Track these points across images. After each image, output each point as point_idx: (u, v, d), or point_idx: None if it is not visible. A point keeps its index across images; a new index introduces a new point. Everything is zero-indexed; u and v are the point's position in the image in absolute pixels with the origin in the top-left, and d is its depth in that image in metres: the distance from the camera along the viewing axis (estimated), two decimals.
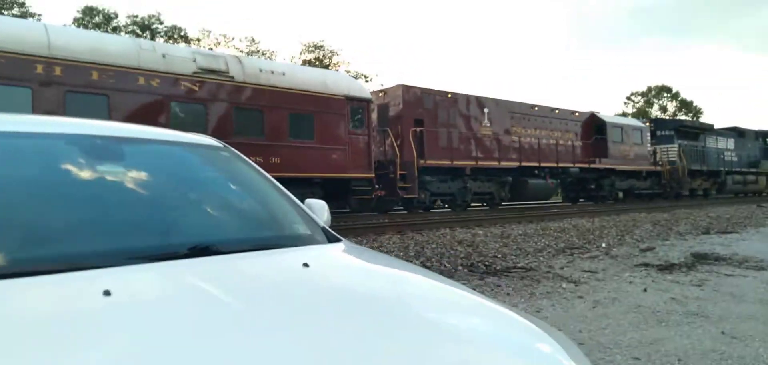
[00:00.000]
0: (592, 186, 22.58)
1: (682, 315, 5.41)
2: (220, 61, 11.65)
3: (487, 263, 8.40)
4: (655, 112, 71.03)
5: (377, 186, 15.23)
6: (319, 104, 13.20)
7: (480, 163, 17.21)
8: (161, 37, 34.50)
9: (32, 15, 29.95)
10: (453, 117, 17.03)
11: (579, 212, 15.47)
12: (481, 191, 17.89)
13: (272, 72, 12.44)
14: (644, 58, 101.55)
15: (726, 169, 30.07)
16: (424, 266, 7.96)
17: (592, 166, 21.42)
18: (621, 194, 23.59)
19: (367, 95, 14.52)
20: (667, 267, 8.16)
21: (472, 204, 18.95)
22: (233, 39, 38.42)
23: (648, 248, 10.24)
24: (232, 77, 11.69)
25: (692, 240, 11.86)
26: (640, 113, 63.98)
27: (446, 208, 17.54)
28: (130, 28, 33.52)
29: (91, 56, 9.76)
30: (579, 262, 8.77)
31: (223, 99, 11.57)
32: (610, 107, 73.43)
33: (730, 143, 31.44)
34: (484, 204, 18.84)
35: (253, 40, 41.18)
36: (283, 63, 16.46)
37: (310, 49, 41.28)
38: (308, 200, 2.34)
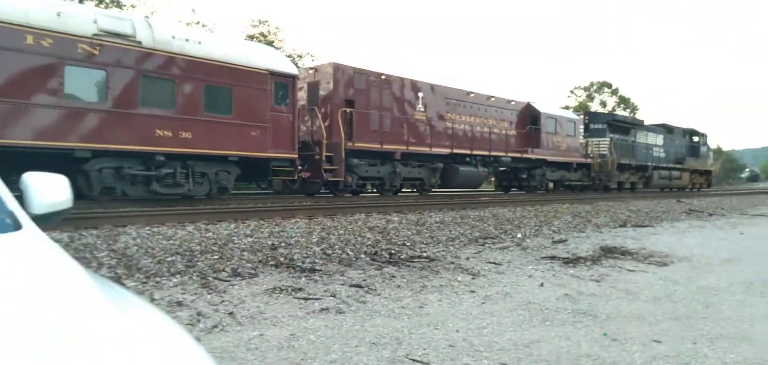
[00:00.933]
0: (524, 176, 22.83)
1: (571, 313, 5.23)
2: (126, 24, 10.72)
3: (392, 251, 8.06)
4: (595, 106, 73.31)
5: (301, 167, 14.68)
6: (239, 77, 12.47)
7: (411, 148, 16.93)
8: (91, 0, 32.31)
9: None
10: (386, 100, 16.64)
11: (504, 201, 15.47)
12: (412, 177, 17.64)
13: (187, 39, 11.59)
14: (590, 54, 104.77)
15: (653, 164, 31.21)
16: (325, 254, 7.54)
17: (525, 156, 21.60)
18: (551, 185, 23.99)
19: (293, 71, 13.87)
20: (573, 261, 8.09)
21: (404, 190, 18.72)
22: (172, 7, 36.38)
23: (560, 241, 10.22)
24: (140, 42, 10.78)
25: (607, 233, 12.00)
26: (582, 108, 65.80)
27: (375, 193, 17.20)
28: (98, 2, 31.20)
29: None
30: (488, 253, 8.59)
31: (129, 66, 10.67)
32: (557, 101, 75.29)
33: (659, 139, 32.64)
34: (414, 190, 18.63)
35: (193, 10, 39.28)
36: (200, 30, 15.53)
37: (255, 24, 39.81)
38: (26, 175, 1.81)
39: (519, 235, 10.76)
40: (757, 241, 11.75)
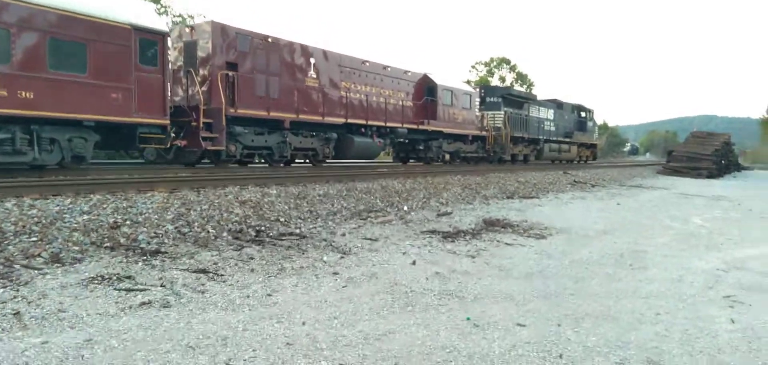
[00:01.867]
0: (421, 147, 22.71)
1: (437, 295, 4.77)
2: None
3: (261, 228, 7.27)
4: (495, 81, 75.83)
5: (176, 135, 13.29)
6: (95, 30, 10.82)
7: (302, 116, 15.98)
8: None
9: None
10: (274, 64, 15.50)
11: (397, 173, 15.09)
12: (304, 147, 16.73)
13: None
14: (492, 30, 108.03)
15: (544, 137, 32.56)
16: (179, 233, 6.58)
17: (421, 127, 21.40)
18: (448, 157, 24.12)
19: (162, 28, 12.34)
20: (453, 235, 7.76)
21: (298, 161, 17.80)
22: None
23: (445, 213, 9.95)
24: None
25: (494, 205, 11.97)
26: (482, 82, 67.78)
27: (263, 164, 16.12)
28: None
29: None
30: (367, 228, 8.05)
31: None
32: (459, 75, 77.05)
33: (550, 114, 34.09)
34: (307, 161, 17.77)
35: None
36: None
37: None
38: None
39: (405, 208, 10.37)
40: (631, 212, 12.28)
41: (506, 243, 7.41)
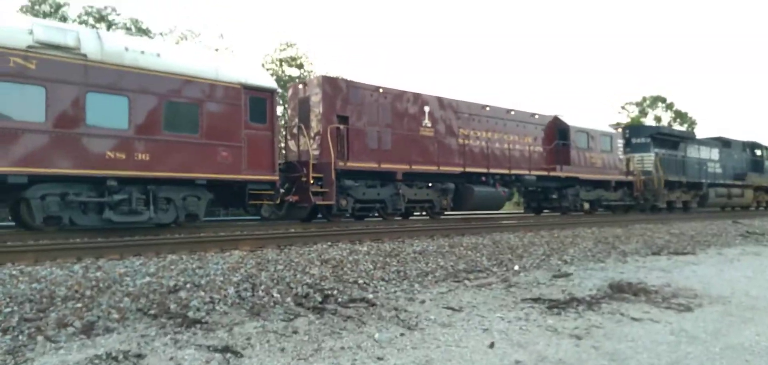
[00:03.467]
0: (554, 196, 20.64)
1: None
2: (69, 36, 9.72)
3: (331, 292, 6.46)
4: (649, 122, 69.26)
5: (287, 191, 13.33)
6: (207, 92, 11.28)
7: (415, 167, 15.27)
8: (119, 28, 32.64)
9: None
10: (385, 115, 15.12)
11: (516, 225, 13.52)
12: (419, 199, 15.95)
13: (142, 52, 10.50)
14: (640, 65, 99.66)
15: (708, 181, 28.13)
16: (238, 297, 6.03)
17: (552, 174, 19.47)
18: (586, 206, 21.61)
19: (270, 84, 12.57)
20: (562, 305, 6.23)
21: (415, 214, 17.03)
22: (200, 35, 36.50)
23: (563, 274, 8.30)
24: (85, 55, 9.76)
25: (632, 263, 9.94)
26: (634, 123, 62.23)
27: (377, 217, 15.59)
28: (83, 19, 31.67)
29: None
30: (458, 293, 6.84)
31: (72, 81, 9.65)
32: (607, 117, 71.62)
33: (714, 153, 29.52)
34: (424, 214, 16.91)
35: (222, 36, 39.28)
36: (161, 43, 14.55)
37: (283, 47, 39.40)
38: None
39: (515, 267, 8.92)
40: None
41: (632, 318, 5.71)
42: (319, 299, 6.24)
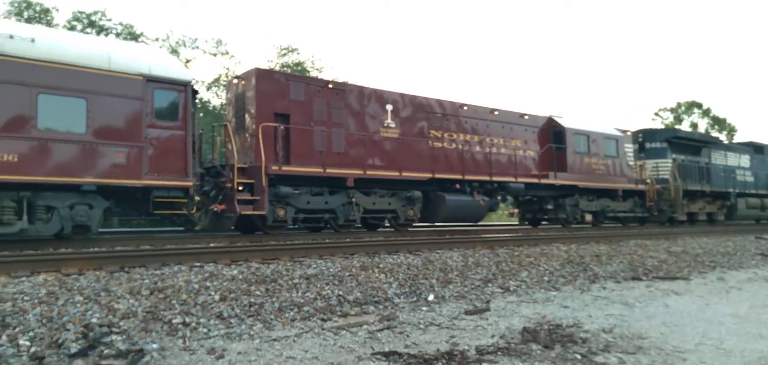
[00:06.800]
0: (550, 206, 18.30)
1: None
2: None
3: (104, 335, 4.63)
4: (684, 129, 65.49)
5: (207, 197, 11.59)
6: (95, 83, 9.66)
7: (369, 172, 13.30)
8: (111, 34, 31.86)
9: None
10: (337, 114, 13.23)
11: (472, 241, 11.39)
12: (379, 209, 13.95)
13: (10, 36, 8.99)
14: (675, 70, 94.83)
15: (737, 190, 25.17)
16: None
17: (545, 181, 17.18)
18: (588, 217, 19.14)
19: (183, 76, 10.85)
20: (428, 361, 4.22)
21: (386, 226, 15.07)
22: (197, 40, 35.49)
23: (479, 310, 6.23)
24: None
25: (594, 292, 7.78)
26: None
27: (328, 228, 13.66)
28: (71, 25, 30.96)
29: None
30: (303, 339, 4.92)
31: None
32: (639, 124, 68.09)
33: (745, 160, 26.52)
34: (388, 225, 14.91)
35: (219, 42, 38.18)
36: (38, 27, 13.02)
37: (283, 52, 38.05)
38: None
39: (430, 298, 6.90)
40: None
41: None
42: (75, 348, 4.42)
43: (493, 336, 5.15)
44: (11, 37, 9.00)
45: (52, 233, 9.58)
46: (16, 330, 4.87)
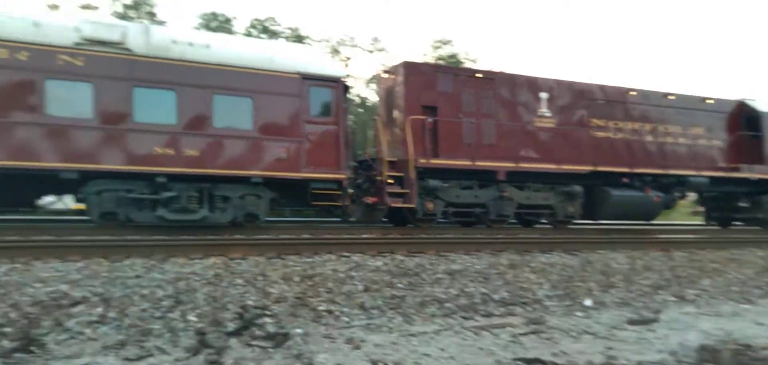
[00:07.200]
0: (744, 204, 15.71)
1: None
2: (115, 31, 9.64)
3: (256, 318, 4.91)
4: None
5: (360, 191, 11.92)
6: (260, 83, 10.45)
7: (522, 164, 12.57)
8: (281, 37, 34.85)
9: (161, 21, 32.21)
10: (487, 104, 12.73)
11: (641, 241, 10.11)
12: (533, 204, 13.14)
13: (191, 44, 10.07)
14: None
15: None
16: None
17: (735, 175, 14.76)
18: None
19: (335, 73, 11.20)
20: None
21: (542, 222, 14.25)
22: (355, 38, 37.21)
23: (645, 321, 5.43)
24: (130, 50, 9.62)
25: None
26: None
27: (480, 223, 13.20)
28: (248, 31, 34.43)
29: None
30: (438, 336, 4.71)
31: (118, 76, 9.57)
32: None
33: None
34: (545, 222, 13.98)
35: (376, 39, 39.54)
36: (212, 34, 14.05)
37: (437, 45, 38.18)
38: None
39: (587, 302, 6.25)
40: None
41: None
42: (238, 326, 4.75)
43: (660, 352, 4.43)
44: (191, 44, 10.13)
45: (227, 220, 10.60)
46: (187, 306, 5.35)
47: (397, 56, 12.79)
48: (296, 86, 10.73)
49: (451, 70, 12.99)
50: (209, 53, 10.20)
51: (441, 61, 35.89)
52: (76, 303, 5.10)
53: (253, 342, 4.68)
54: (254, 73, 10.46)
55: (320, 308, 5.56)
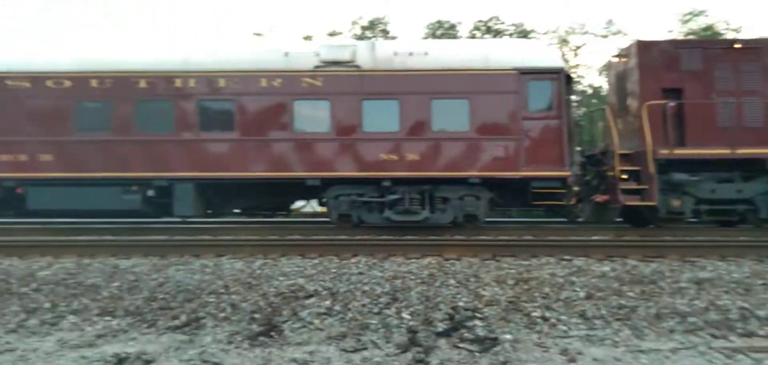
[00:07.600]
0: None
1: None
2: (346, 51, 10.62)
3: (450, 321, 4.88)
4: None
5: (583, 188, 10.92)
6: (474, 83, 10.38)
7: None
8: (505, 35, 34.61)
9: (393, 37, 34.73)
10: (750, 79, 10.44)
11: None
12: None
13: (410, 53, 10.48)
14: None
15: None
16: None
17: None
18: None
19: (555, 64, 10.42)
20: None
21: None
22: (585, 24, 35.03)
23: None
24: (358, 66, 10.49)
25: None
26: None
27: (746, 223, 10.90)
28: (472, 34, 34.96)
29: (219, 66, 10.61)
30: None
31: (350, 91, 10.53)
32: None
33: None
34: None
35: (610, 21, 36.41)
36: (430, 41, 13.86)
37: (686, 18, 33.49)
38: None
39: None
40: None
41: None
42: (444, 328, 4.80)
43: None
44: (411, 54, 10.63)
45: (447, 221, 10.85)
46: (402, 304, 5.58)
47: (635, 38, 11.34)
48: (513, 82, 10.42)
49: (698, 45, 11.09)
50: (427, 60, 10.57)
51: (692, 36, 31.14)
52: (309, 296, 5.73)
53: (461, 345, 4.62)
54: (469, 74, 10.50)
55: (534, 314, 5.24)
